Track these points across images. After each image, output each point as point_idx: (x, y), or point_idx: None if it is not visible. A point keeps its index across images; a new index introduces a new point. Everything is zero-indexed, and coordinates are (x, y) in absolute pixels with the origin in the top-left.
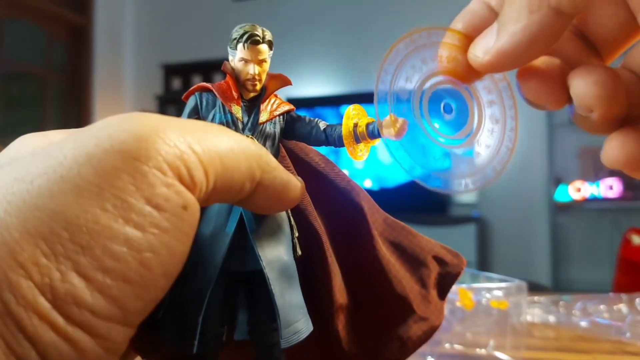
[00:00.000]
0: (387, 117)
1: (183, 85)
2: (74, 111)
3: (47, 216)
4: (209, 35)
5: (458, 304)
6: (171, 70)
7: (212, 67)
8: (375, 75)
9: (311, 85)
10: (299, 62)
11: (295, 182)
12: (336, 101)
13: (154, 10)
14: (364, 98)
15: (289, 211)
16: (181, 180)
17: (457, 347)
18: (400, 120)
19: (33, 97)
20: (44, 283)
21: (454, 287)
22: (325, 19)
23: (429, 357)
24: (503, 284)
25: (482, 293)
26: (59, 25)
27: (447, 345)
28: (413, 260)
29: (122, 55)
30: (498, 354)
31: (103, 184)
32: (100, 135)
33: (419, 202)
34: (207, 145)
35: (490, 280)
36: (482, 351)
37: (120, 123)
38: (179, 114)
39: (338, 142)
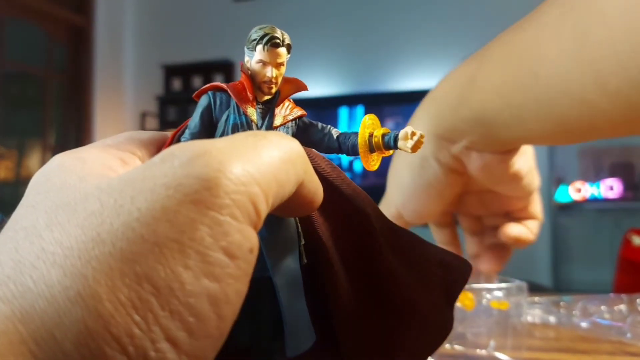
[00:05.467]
0: (405, 129)
1: (183, 86)
2: (75, 111)
3: (136, 282)
4: (209, 36)
5: (458, 304)
6: (171, 71)
7: (213, 68)
8: (376, 77)
9: (311, 85)
10: (299, 63)
11: (321, 185)
12: (336, 102)
13: (154, 10)
14: (364, 99)
15: (297, 218)
16: (249, 220)
17: (458, 347)
18: (418, 133)
19: (33, 97)
20: (138, 355)
21: None
22: (326, 20)
23: (429, 357)
24: (504, 285)
25: (482, 294)
26: (60, 25)
27: (447, 346)
28: (420, 267)
29: (122, 55)
30: (499, 354)
31: (183, 239)
32: (169, 185)
33: None
34: (264, 168)
35: (490, 280)
36: (483, 352)
37: (185, 168)
38: (179, 114)
39: (351, 151)
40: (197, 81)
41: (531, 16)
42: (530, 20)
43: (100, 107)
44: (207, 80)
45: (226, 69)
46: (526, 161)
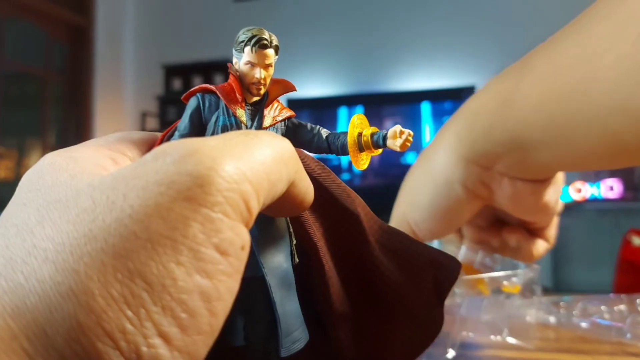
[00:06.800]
0: (393, 128)
1: (183, 86)
2: (74, 111)
3: (128, 278)
4: (209, 36)
5: (473, 291)
6: (172, 71)
7: (213, 68)
8: (376, 78)
9: (310, 86)
10: (299, 63)
11: (312, 185)
12: (336, 102)
13: (154, 10)
14: (364, 99)
15: (288, 218)
16: (241, 217)
17: (471, 334)
18: (406, 132)
19: (33, 97)
20: (130, 351)
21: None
22: (326, 20)
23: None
24: (519, 270)
25: (496, 280)
26: (59, 25)
27: (463, 333)
28: (411, 266)
29: (122, 55)
30: (510, 339)
31: (176, 236)
32: (161, 182)
33: None
34: (256, 166)
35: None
36: (497, 338)
37: (177, 165)
38: (179, 114)
39: (341, 151)
40: (197, 81)
41: (578, 26)
42: (578, 31)
43: (100, 107)
44: (207, 80)
45: (226, 69)
46: (555, 191)
